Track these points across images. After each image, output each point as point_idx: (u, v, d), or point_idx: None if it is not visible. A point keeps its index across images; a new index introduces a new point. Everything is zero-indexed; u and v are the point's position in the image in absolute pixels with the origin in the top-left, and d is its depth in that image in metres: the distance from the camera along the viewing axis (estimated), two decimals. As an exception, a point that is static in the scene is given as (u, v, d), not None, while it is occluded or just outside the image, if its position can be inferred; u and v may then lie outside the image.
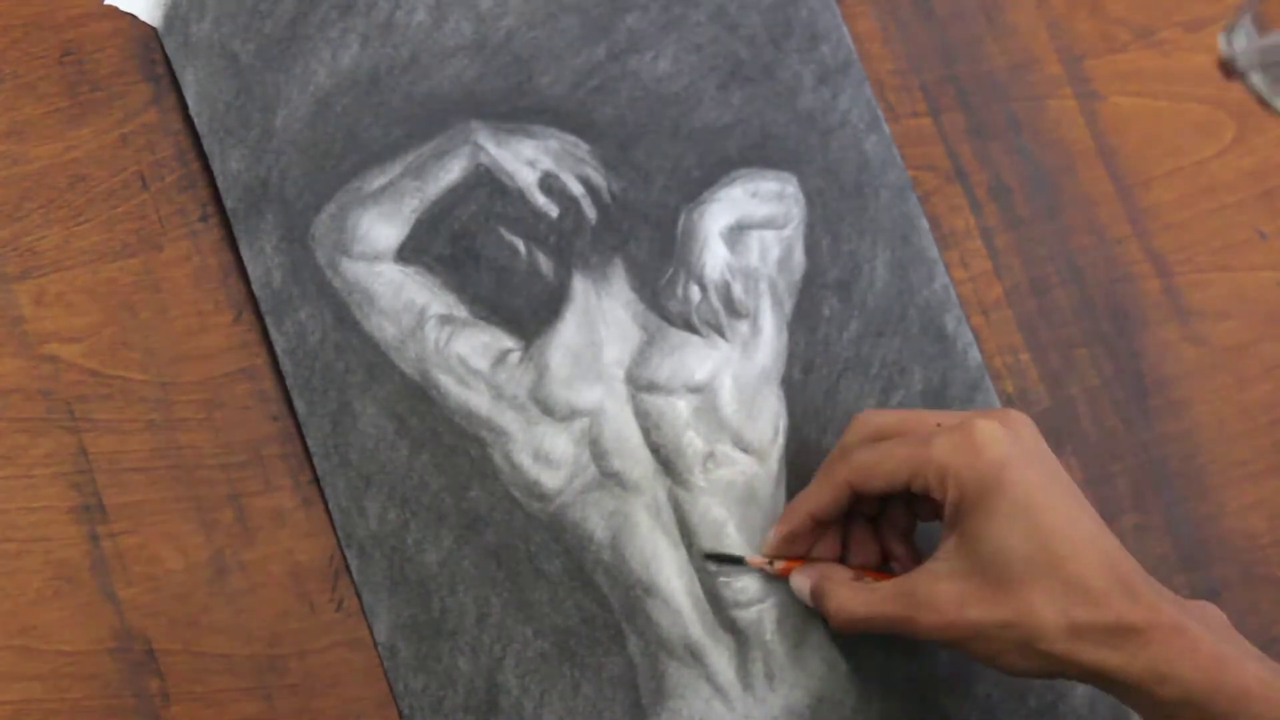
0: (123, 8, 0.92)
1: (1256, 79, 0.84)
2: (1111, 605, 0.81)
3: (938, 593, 0.83)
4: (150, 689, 0.86)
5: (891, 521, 0.90)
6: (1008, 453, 0.83)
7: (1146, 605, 0.81)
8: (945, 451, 0.83)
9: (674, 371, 0.92)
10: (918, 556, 0.89)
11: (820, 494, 0.88)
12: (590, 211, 0.94)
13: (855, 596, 0.86)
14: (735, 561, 0.90)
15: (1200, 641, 0.80)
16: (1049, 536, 0.82)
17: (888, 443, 0.86)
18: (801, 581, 0.89)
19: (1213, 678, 0.79)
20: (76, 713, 0.85)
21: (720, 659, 0.90)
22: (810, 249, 0.96)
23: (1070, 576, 0.81)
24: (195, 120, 0.91)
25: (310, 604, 0.88)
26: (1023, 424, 0.85)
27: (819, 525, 0.89)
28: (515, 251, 0.93)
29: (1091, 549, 0.82)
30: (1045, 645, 0.81)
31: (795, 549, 0.90)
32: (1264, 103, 0.85)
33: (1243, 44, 0.84)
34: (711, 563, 0.90)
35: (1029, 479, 0.83)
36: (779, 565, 0.90)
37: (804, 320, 0.95)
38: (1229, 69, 0.83)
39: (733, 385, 0.93)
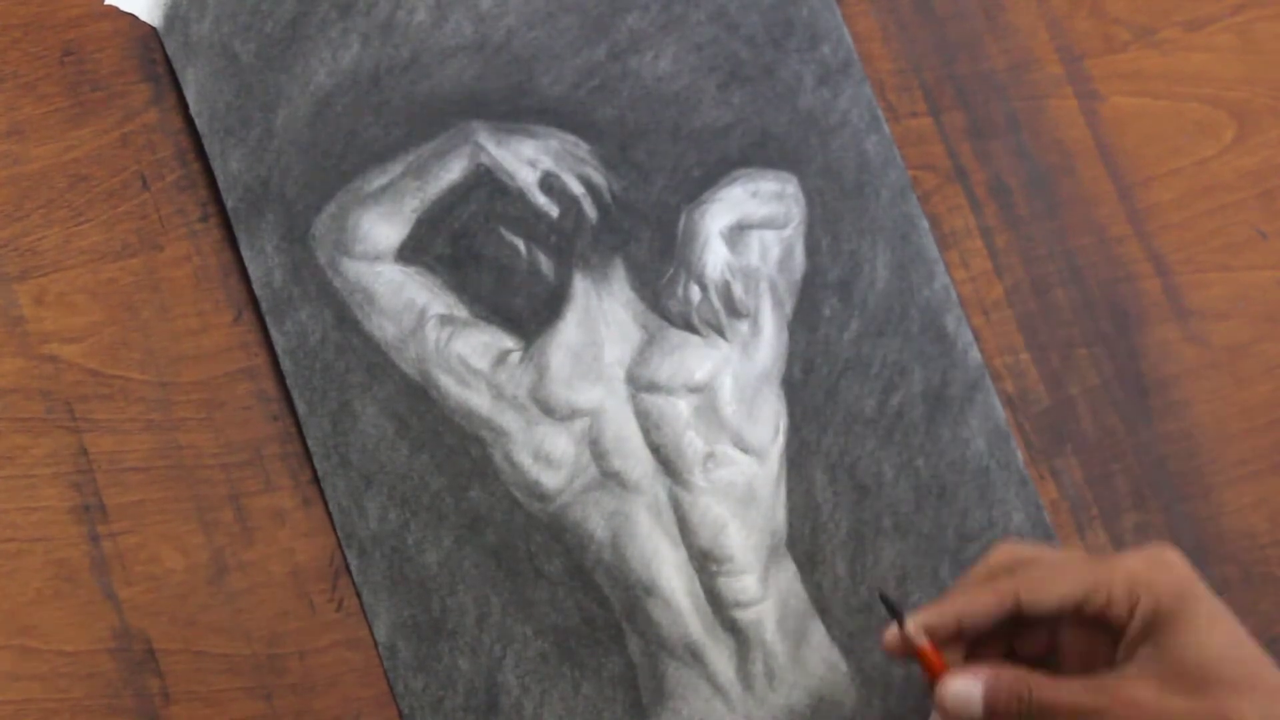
0: (123, 8, 0.92)
1: None
2: None
3: (1138, 688, 0.82)
4: (150, 689, 0.86)
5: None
6: (1193, 575, 0.84)
7: None
8: (1138, 566, 0.83)
9: (674, 371, 0.92)
10: None
11: (983, 599, 0.84)
12: (591, 211, 0.94)
13: (1044, 686, 0.83)
14: (894, 615, 0.84)
15: None
16: (1249, 649, 0.83)
17: (1059, 560, 0.85)
18: (969, 685, 0.83)
19: None
20: (76, 712, 0.85)
21: (720, 659, 0.90)
22: (810, 249, 0.96)
23: (1271, 682, 0.82)
24: (195, 120, 0.91)
25: (310, 604, 0.88)
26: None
27: (959, 633, 0.84)
28: (516, 251, 0.93)
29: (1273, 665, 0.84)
30: None
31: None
32: None
33: None
34: (883, 602, 0.86)
35: (1217, 602, 0.84)
36: (924, 642, 0.84)
37: (804, 320, 0.95)
38: None
39: (733, 385, 0.93)
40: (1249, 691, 0.82)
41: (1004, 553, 0.86)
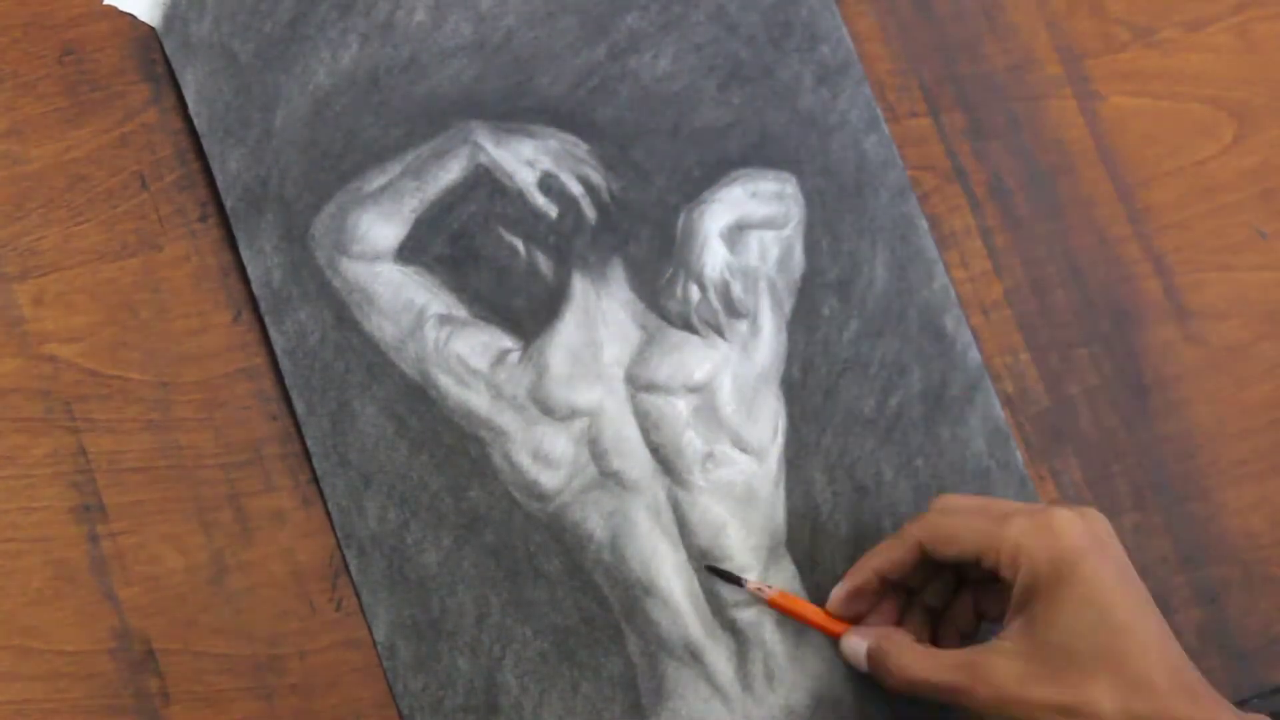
0: (122, 8, 0.92)
1: None
2: (1173, 704, 0.81)
3: (1000, 667, 0.83)
4: (150, 689, 0.86)
5: (952, 616, 0.90)
6: (1083, 544, 0.84)
7: (1208, 708, 0.81)
8: (1022, 532, 0.84)
9: (673, 371, 0.92)
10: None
11: (890, 551, 0.88)
12: (590, 211, 0.94)
13: (917, 660, 0.85)
14: (733, 581, 0.90)
15: None
16: (1116, 632, 0.82)
17: (966, 513, 0.87)
18: (856, 642, 0.88)
19: None
20: (76, 713, 0.85)
21: (720, 659, 0.90)
22: (810, 249, 0.96)
23: (1134, 672, 0.81)
24: (195, 120, 0.91)
25: (310, 604, 0.88)
26: (1099, 520, 0.86)
27: (883, 585, 0.89)
28: (515, 251, 0.93)
29: (1157, 649, 0.83)
30: None
31: (856, 608, 0.89)
32: None
33: None
34: (712, 574, 0.90)
35: (1102, 573, 0.83)
36: (771, 594, 0.90)
37: (803, 320, 0.95)
38: None
39: (732, 385, 0.93)
40: (1109, 679, 0.81)
41: (935, 503, 0.88)
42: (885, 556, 0.88)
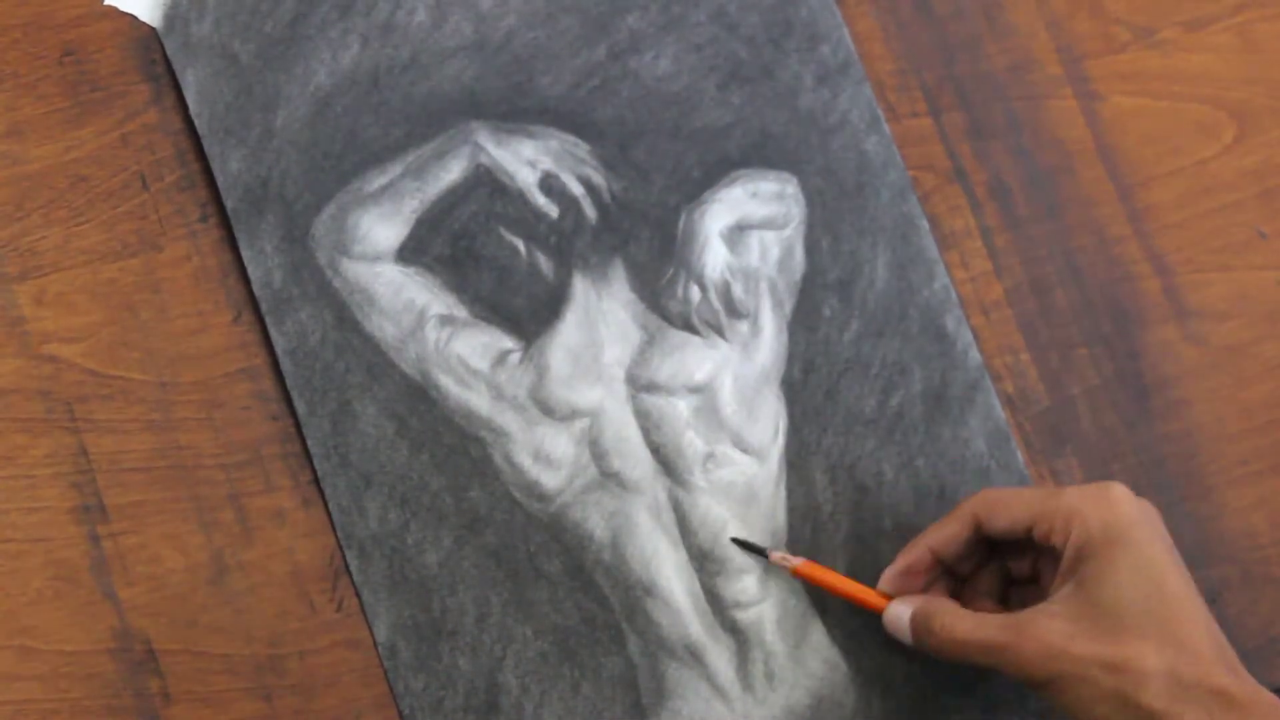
0: (123, 8, 0.92)
1: None
2: (1218, 673, 0.82)
3: (1048, 626, 0.83)
4: (150, 689, 0.86)
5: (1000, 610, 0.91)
6: (1137, 515, 0.85)
7: (1249, 684, 0.82)
8: (1077, 499, 0.85)
9: (674, 372, 0.92)
10: None
11: (943, 528, 0.89)
12: (590, 212, 0.94)
13: (962, 620, 0.85)
14: (758, 553, 0.91)
15: None
16: (1167, 598, 0.83)
17: (1020, 490, 0.89)
18: (901, 610, 0.88)
19: None
20: (76, 713, 0.85)
21: (720, 659, 0.90)
22: (810, 249, 0.96)
23: (1182, 638, 0.82)
24: (195, 120, 0.91)
25: (310, 604, 0.88)
26: (1150, 505, 0.87)
27: (935, 564, 0.89)
28: (515, 252, 0.93)
29: (1204, 621, 0.84)
30: (1146, 698, 0.81)
31: (908, 587, 0.89)
32: None
33: None
34: (737, 546, 0.91)
35: (1155, 543, 0.85)
36: (796, 564, 0.90)
37: (804, 320, 0.95)
38: None
39: (733, 385, 0.93)
40: (1157, 641, 0.82)
41: (981, 494, 0.89)
42: (938, 532, 0.89)
